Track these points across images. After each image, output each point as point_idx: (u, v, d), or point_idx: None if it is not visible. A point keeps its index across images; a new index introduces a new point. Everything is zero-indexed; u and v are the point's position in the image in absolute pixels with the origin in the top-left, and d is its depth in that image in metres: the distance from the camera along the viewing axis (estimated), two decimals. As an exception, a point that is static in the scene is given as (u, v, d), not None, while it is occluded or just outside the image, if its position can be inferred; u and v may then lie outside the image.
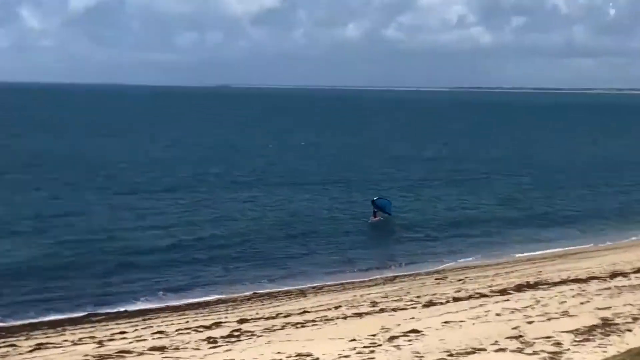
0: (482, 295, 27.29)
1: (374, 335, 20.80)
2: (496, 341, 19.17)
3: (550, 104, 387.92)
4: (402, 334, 20.80)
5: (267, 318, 26.14)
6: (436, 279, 34.56)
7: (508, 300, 25.79)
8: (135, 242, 42.28)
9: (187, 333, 23.98)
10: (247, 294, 33.66)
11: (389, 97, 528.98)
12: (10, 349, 23.67)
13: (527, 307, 23.83)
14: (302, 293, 33.30)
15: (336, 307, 27.27)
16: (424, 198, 60.05)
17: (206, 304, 31.57)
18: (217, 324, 25.26)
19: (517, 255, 41.94)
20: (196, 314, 28.86)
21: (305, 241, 44.07)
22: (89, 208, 51.29)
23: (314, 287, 34.67)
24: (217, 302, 32.14)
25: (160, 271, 36.96)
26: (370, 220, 50.47)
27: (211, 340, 22.23)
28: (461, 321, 21.97)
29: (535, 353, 17.95)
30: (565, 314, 22.30)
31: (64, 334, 25.81)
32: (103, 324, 27.80)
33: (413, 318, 23.27)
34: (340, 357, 18.65)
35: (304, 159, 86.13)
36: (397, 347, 19.35)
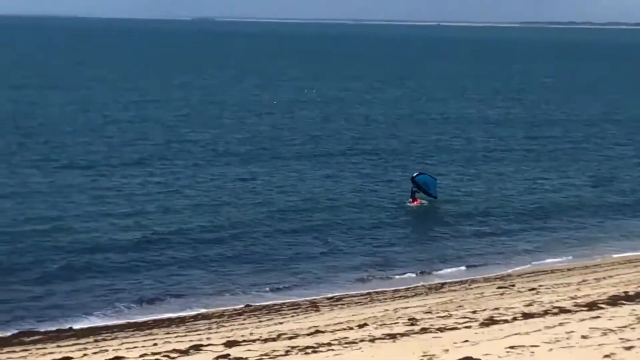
0: (563, 311, 27.13)
1: (412, 364, 20.74)
2: (581, 374, 19.01)
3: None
4: (451, 363, 20.72)
5: (266, 340, 26.08)
6: (499, 288, 34.45)
7: (599, 317, 25.60)
8: (87, 235, 42.40)
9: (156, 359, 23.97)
10: (238, 306, 33.70)
11: (435, 34, 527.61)
12: None
13: (625, 327, 23.63)
14: (314, 306, 33.28)
15: (360, 326, 27.18)
16: (485, 176, 60.04)
17: (182, 320, 31.57)
18: (197, 348, 25.21)
19: (612, 255, 41.81)
20: (168, 333, 28.84)
21: (320, 236, 44.11)
22: (24, 188, 51.46)
23: (330, 298, 34.67)
24: (198, 317, 32.16)
25: (121, 275, 37.08)
26: (408, 205, 50.66)
27: (188, 371, 22.21)
28: (533, 346, 21.82)
29: (635, 391, 17.79)
30: (677, 336, 22.11)
31: (-17, 361, 25.90)
32: (39, 346, 27.83)
33: (467, 341, 23.14)
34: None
35: (320, 121, 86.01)
36: (444, 381, 19.26)
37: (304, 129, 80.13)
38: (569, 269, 38.58)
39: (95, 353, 25.79)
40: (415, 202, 50.99)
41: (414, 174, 52.89)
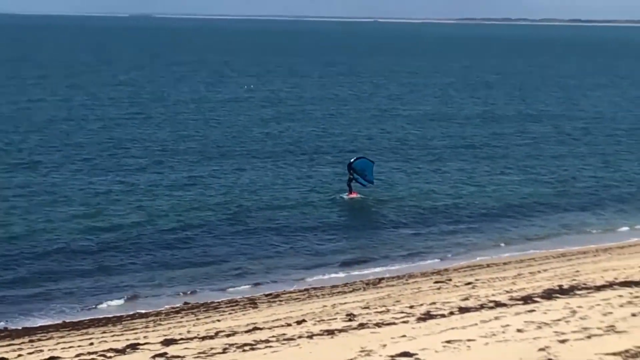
0: (499, 305, 27.29)
1: (350, 360, 20.73)
2: (517, 367, 19.14)
3: (600, 40, 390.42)
4: (389, 358, 20.73)
5: (203, 338, 25.95)
6: (436, 282, 34.60)
7: (534, 311, 25.80)
8: (24, 236, 41.87)
9: (92, 359, 23.75)
10: (176, 305, 33.56)
11: (372, 30, 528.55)
12: None
13: (559, 320, 23.84)
14: (253, 303, 33.19)
15: (299, 322, 27.15)
16: (425, 171, 60.35)
17: (119, 319, 31.32)
18: (134, 347, 25.02)
19: (546, 249, 42.20)
20: (104, 332, 28.59)
21: (258, 233, 44.02)
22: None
23: (268, 295, 34.61)
24: (135, 316, 31.95)
25: (58, 276, 36.72)
26: (345, 197, 51.02)
27: (125, 370, 22.04)
28: (470, 340, 21.93)
29: (570, 383, 17.96)
30: (610, 329, 22.33)
31: None
32: (-27, 347, 27.47)
33: (404, 336, 23.19)
34: (303, 391, 18.57)
35: (259, 120, 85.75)
36: (382, 376, 19.28)
37: (243, 127, 79.77)
38: (504, 263, 38.87)
39: (30, 353, 25.50)
40: (353, 195, 51.27)
41: (351, 160, 52.88)
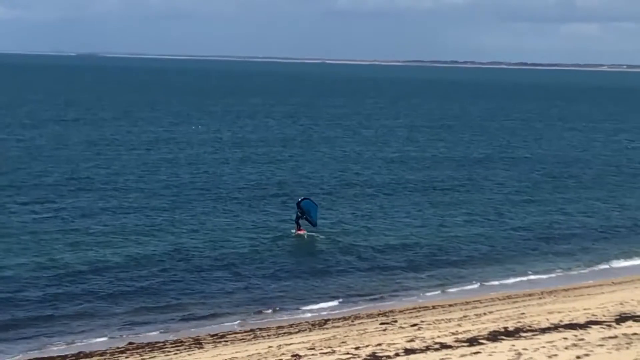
0: (444, 346, 27.34)
1: (295, 402, 20.66)
2: (462, 410, 19.16)
3: (538, 84, 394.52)
4: (334, 400, 20.70)
5: (148, 378, 25.80)
6: (382, 324, 34.59)
7: (479, 353, 25.89)
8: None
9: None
10: (120, 345, 33.24)
11: (320, 71, 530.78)
12: None
13: (504, 362, 23.94)
14: (198, 343, 32.96)
15: (244, 363, 27.06)
16: (371, 211, 60.60)
17: (63, 359, 31.05)
18: (77, 387, 24.80)
19: (492, 292, 42.39)
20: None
21: (204, 273, 43.94)
22: None
23: (214, 336, 34.35)
24: (79, 355, 31.64)
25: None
26: (294, 232, 52.03)
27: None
28: (415, 382, 21.96)
29: None
30: (555, 371, 22.47)
31: None
32: None
33: (350, 378, 23.18)
34: None
35: (209, 159, 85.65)
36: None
37: (192, 168, 79.41)
38: (450, 305, 38.97)
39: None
40: (300, 231, 51.85)
41: (300, 199, 53.90)
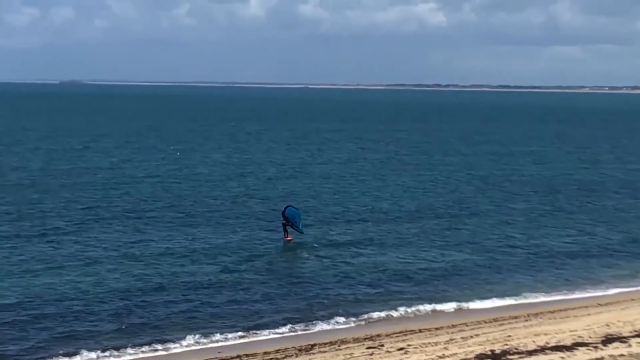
0: (432, 370, 27.34)
1: None
2: None
3: (521, 106, 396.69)
4: None
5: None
6: (368, 348, 34.54)
7: (466, 376, 25.90)
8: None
9: None
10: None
11: (302, 96, 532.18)
12: None
13: (492, 385, 23.95)
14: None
15: (230, 389, 27.00)
16: (358, 230, 61.17)
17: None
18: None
19: (478, 314, 42.34)
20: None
21: (186, 295, 43.85)
22: None
23: (199, 361, 34.35)
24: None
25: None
26: (284, 238, 55.09)
27: None
28: (403, 406, 21.92)
29: None
30: (543, 394, 22.49)
31: None
32: None
33: (337, 403, 23.15)
34: None
35: (182, 182, 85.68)
36: None
37: (170, 189, 79.64)
38: (436, 328, 38.91)
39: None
40: (288, 238, 54.91)
41: (284, 207, 56.33)
